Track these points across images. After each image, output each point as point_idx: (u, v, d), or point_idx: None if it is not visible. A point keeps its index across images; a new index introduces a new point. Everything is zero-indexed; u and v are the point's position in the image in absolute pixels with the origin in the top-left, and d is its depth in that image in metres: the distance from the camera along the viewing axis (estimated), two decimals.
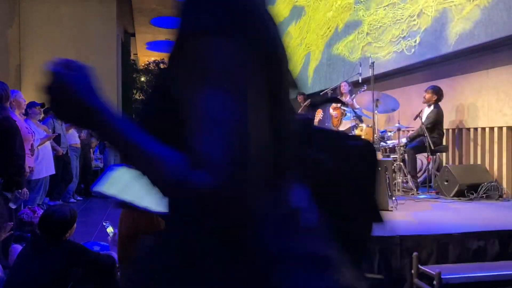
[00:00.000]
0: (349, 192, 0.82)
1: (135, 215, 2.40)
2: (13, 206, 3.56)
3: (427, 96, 5.71)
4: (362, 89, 6.57)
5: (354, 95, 6.78)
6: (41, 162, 5.66)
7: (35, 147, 5.20)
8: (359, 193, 0.84)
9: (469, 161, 5.83)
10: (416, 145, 5.60)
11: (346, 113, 6.86)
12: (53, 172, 6.03)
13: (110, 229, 3.17)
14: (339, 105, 7.16)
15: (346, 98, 7.09)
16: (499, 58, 5.32)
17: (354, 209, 0.82)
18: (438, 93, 5.67)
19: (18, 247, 3.05)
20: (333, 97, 6.90)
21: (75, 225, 2.63)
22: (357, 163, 0.85)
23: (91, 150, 8.82)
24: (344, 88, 7.14)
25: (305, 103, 7.88)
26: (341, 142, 0.87)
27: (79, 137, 7.64)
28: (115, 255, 2.87)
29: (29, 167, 4.33)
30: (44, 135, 5.87)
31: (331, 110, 7.39)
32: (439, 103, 5.71)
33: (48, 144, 5.98)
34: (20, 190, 3.48)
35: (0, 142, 3.33)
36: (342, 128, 7.25)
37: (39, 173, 5.60)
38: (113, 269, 2.74)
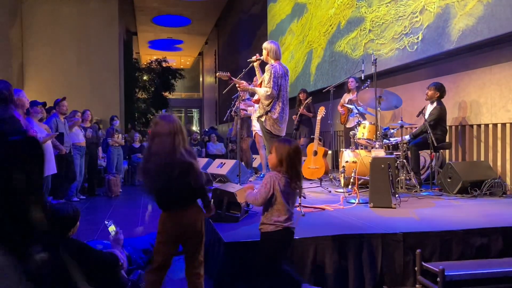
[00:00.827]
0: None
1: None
2: None
3: (430, 93, 5.69)
4: (366, 84, 6.56)
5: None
6: None
7: None
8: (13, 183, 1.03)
9: (473, 158, 5.81)
10: (419, 141, 5.59)
11: (352, 110, 6.86)
12: (55, 171, 6.05)
13: (112, 228, 3.17)
14: (346, 101, 7.16)
15: (353, 95, 7.08)
16: (502, 54, 5.30)
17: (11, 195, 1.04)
18: (440, 89, 5.65)
19: None
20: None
21: (78, 223, 2.64)
22: (15, 155, 1.03)
23: (98, 149, 8.80)
24: (351, 84, 7.13)
25: (307, 101, 7.88)
26: (4, 138, 1.10)
27: (85, 136, 7.65)
28: (117, 253, 2.88)
29: None
30: (45, 134, 5.88)
31: (339, 108, 7.40)
32: (442, 99, 5.69)
33: (49, 143, 6.00)
34: None
35: None
36: (348, 125, 7.26)
37: None
38: (115, 267, 2.74)
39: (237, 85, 5.23)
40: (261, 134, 5.26)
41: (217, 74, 5.59)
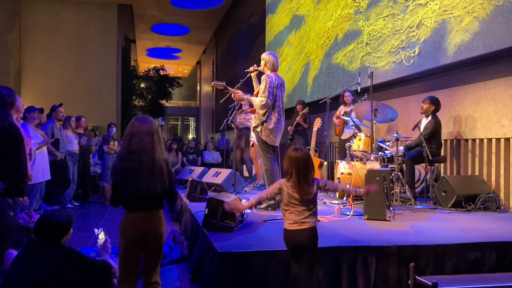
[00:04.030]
0: None
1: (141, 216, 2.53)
2: (11, 212, 3.54)
3: (425, 106, 5.73)
4: (363, 98, 6.58)
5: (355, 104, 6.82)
6: (37, 167, 5.65)
7: (33, 152, 5.19)
8: None
9: (467, 172, 5.83)
10: (414, 155, 5.61)
11: (347, 122, 6.89)
12: (49, 177, 6.02)
13: (101, 235, 3.16)
14: (341, 113, 7.21)
15: (349, 108, 7.13)
16: (497, 69, 5.35)
17: None
18: (435, 103, 5.69)
19: (14, 252, 3.03)
20: None
21: (71, 230, 2.62)
22: None
23: (90, 156, 8.80)
24: (348, 98, 7.18)
25: (303, 111, 7.92)
26: None
27: (79, 143, 7.63)
28: (110, 261, 2.86)
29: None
30: (41, 140, 5.87)
31: (334, 119, 7.42)
32: (437, 113, 5.73)
33: (44, 149, 5.98)
34: (21, 198, 3.47)
35: (5, 148, 3.31)
36: (343, 137, 7.29)
37: (35, 178, 5.59)
38: (108, 275, 2.72)
39: (232, 95, 5.25)
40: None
41: (212, 83, 5.60)
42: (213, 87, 24.86)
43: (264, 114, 4.73)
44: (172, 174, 2.63)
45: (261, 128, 4.76)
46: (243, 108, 7.16)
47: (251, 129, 5.39)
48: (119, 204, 2.56)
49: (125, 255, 2.56)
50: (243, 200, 4.49)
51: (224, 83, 5.33)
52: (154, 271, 2.62)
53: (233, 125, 6.79)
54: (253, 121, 4.96)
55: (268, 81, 4.68)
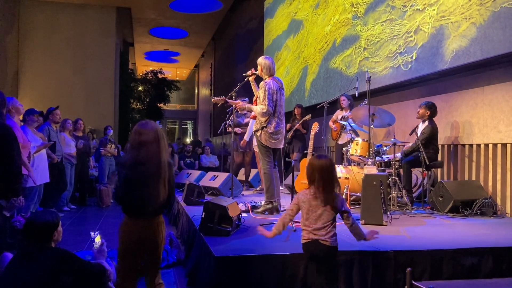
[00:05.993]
0: None
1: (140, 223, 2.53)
2: (7, 213, 3.52)
3: (421, 111, 5.75)
4: (363, 103, 6.60)
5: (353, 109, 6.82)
6: (36, 170, 5.62)
7: (31, 155, 5.18)
8: None
9: (464, 177, 5.84)
10: (411, 159, 5.62)
11: (345, 127, 6.90)
12: (48, 180, 6.00)
13: (97, 239, 3.15)
14: (338, 118, 7.21)
15: (346, 112, 7.14)
16: (494, 75, 5.37)
17: None
18: (431, 108, 5.71)
19: (10, 255, 3.02)
20: None
21: (60, 227, 2.58)
22: None
23: (89, 159, 8.78)
24: (344, 102, 7.19)
25: (305, 118, 7.91)
26: None
27: (76, 146, 7.61)
28: (105, 264, 2.84)
29: (25, 174, 4.31)
30: (40, 143, 5.85)
31: (331, 123, 7.43)
32: (434, 118, 5.74)
33: (43, 152, 5.96)
34: (15, 198, 3.44)
35: None
36: (341, 141, 7.29)
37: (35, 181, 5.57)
38: (102, 278, 2.71)
39: (233, 106, 5.28)
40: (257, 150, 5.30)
41: (212, 99, 5.61)
42: (211, 90, 24.88)
43: (266, 120, 4.77)
44: (173, 180, 2.64)
45: (261, 133, 4.81)
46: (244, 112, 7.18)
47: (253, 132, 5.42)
48: (123, 206, 2.58)
49: (121, 259, 2.58)
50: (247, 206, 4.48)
51: (223, 97, 5.35)
52: (155, 273, 2.63)
53: (230, 129, 6.79)
54: (254, 125, 5.00)
55: (266, 89, 4.70)
